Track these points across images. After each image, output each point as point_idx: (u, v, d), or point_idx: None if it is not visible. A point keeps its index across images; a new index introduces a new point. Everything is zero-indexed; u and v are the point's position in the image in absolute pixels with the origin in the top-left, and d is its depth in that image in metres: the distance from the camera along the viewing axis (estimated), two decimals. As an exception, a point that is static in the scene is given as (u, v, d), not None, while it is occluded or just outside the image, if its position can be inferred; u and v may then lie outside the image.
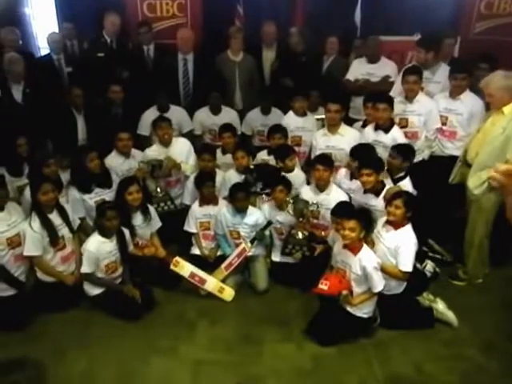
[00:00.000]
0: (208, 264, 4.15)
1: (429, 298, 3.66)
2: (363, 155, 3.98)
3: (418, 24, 5.37)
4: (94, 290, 3.72)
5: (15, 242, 3.61)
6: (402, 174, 3.98)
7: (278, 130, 4.57)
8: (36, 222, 3.62)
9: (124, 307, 3.69)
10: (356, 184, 4.07)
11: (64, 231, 3.78)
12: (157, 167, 4.32)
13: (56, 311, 3.72)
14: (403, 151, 3.97)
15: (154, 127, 4.56)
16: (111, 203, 3.78)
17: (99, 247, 3.63)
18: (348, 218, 3.28)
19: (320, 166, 3.97)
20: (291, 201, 3.92)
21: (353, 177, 4.16)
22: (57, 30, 5.61)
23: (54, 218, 3.73)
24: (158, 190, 4.41)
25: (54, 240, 3.69)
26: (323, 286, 3.31)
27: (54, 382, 2.99)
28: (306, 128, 4.79)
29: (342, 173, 4.29)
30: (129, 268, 3.86)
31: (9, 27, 5.09)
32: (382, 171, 3.88)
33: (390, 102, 4.24)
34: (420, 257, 3.73)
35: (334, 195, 4.00)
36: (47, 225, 3.65)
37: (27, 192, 3.88)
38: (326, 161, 4.04)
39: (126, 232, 3.85)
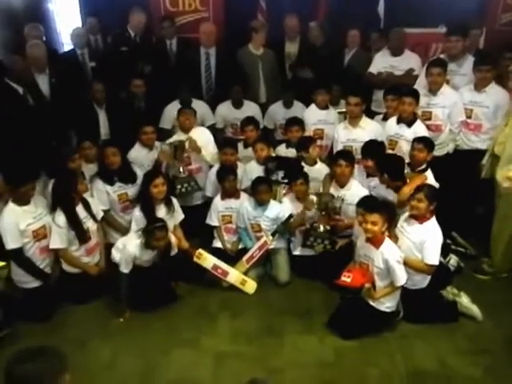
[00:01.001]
0: (229, 257, 4.16)
1: (453, 292, 3.61)
2: (378, 154, 3.93)
3: (443, 15, 5.26)
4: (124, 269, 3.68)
5: (41, 235, 3.66)
6: (423, 167, 3.92)
7: (296, 122, 4.56)
8: (61, 216, 3.66)
9: (145, 299, 3.71)
10: (374, 181, 4.04)
11: (89, 223, 3.83)
12: (179, 148, 4.33)
13: (80, 302, 3.78)
14: (429, 144, 3.91)
15: (178, 114, 4.57)
16: (161, 222, 3.66)
17: (138, 251, 3.60)
18: (370, 212, 3.25)
19: (342, 162, 3.95)
20: (314, 195, 3.90)
21: (369, 175, 4.12)
22: (80, 26, 5.66)
23: (80, 211, 3.78)
24: (181, 170, 4.42)
25: (81, 234, 3.73)
26: (346, 278, 3.30)
27: (77, 372, 3.03)
28: (327, 121, 4.76)
29: (356, 172, 4.22)
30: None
31: (32, 23, 5.16)
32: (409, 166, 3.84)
33: (415, 95, 4.20)
34: (444, 251, 3.67)
35: (355, 191, 3.96)
36: (73, 219, 3.70)
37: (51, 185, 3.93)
38: (348, 156, 4.01)
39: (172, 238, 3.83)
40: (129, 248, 3.57)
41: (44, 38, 5.22)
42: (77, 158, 4.07)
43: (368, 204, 3.44)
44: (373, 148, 4.06)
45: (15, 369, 1.68)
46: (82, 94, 4.75)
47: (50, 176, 4.01)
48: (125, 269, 3.58)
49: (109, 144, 4.23)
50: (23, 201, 3.59)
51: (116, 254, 3.68)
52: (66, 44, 6.09)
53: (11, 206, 3.57)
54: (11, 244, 3.52)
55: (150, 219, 3.79)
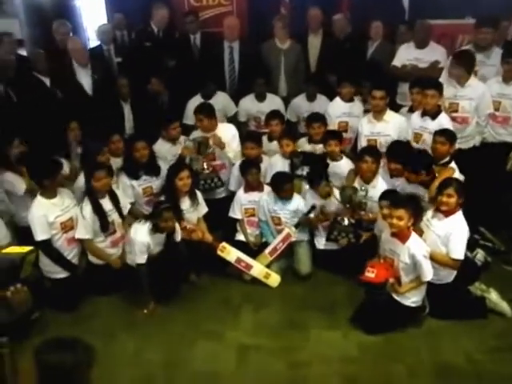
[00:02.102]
0: (252, 250, 4.10)
1: (481, 287, 3.49)
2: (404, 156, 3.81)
3: (470, 6, 5.07)
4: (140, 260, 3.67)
5: (68, 226, 3.68)
6: (447, 159, 3.80)
7: (317, 118, 4.47)
8: (88, 207, 3.68)
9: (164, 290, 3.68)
10: (399, 181, 3.93)
11: (114, 216, 3.83)
12: (203, 144, 4.28)
13: (105, 294, 3.78)
14: (451, 136, 3.79)
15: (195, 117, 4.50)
16: (167, 204, 3.66)
17: (148, 238, 3.58)
18: (396, 207, 3.16)
19: (368, 158, 3.86)
20: (338, 189, 3.82)
21: (393, 175, 4.00)
22: (106, 22, 5.66)
23: (105, 203, 3.79)
24: (205, 166, 4.37)
25: (105, 225, 3.74)
26: (370, 273, 3.21)
27: (102, 363, 3.01)
28: (352, 114, 4.66)
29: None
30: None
31: (60, 20, 5.17)
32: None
33: (438, 88, 4.05)
34: (471, 245, 3.55)
35: (380, 188, 3.85)
36: (98, 210, 3.71)
37: (80, 177, 3.94)
38: (374, 152, 3.92)
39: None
40: (139, 237, 3.56)
41: (71, 34, 5.23)
42: (106, 151, 4.07)
43: (394, 199, 3.34)
44: (398, 150, 3.94)
45: (48, 357, 1.65)
46: (108, 89, 4.76)
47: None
48: (140, 259, 3.57)
49: (138, 138, 4.22)
50: (50, 194, 3.62)
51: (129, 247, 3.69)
52: (92, 40, 6.10)
53: (39, 200, 3.61)
54: (40, 235, 3.55)
55: (174, 210, 3.77)
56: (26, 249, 1.68)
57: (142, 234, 3.57)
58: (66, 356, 1.67)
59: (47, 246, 3.59)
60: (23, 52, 5.44)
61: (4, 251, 1.73)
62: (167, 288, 3.70)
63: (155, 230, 3.58)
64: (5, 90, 4.35)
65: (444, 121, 4.06)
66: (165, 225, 3.57)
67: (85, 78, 4.71)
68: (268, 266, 3.95)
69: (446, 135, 3.77)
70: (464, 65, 4.15)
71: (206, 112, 4.39)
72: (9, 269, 1.58)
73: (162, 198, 3.91)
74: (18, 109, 4.25)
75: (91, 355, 1.77)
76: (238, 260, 3.90)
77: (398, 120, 4.38)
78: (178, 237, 3.81)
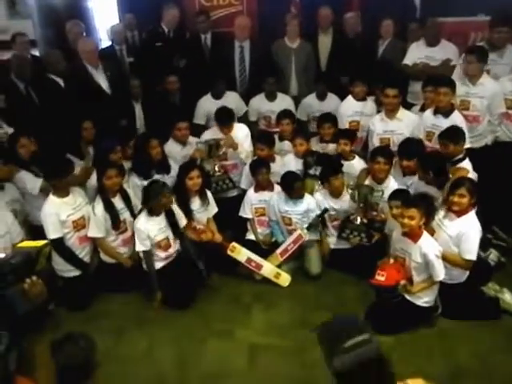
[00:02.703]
0: (262, 250, 4.08)
1: (494, 288, 3.43)
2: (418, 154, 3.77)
3: (482, 3, 4.99)
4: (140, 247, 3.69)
5: (80, 225, 3.70)
6: (460, 156, 3.74)
7: (328, 119, 4.45)
8: (99, 205, 3.70)
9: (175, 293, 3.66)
10: (411, 180, 3.88)
11: (126, 215, 3.83)
12: (214, 147, 4.27)
13: (117, 292, 3.77)
14: (454, 136, 3.71)
15: (217, 122, 4.49)
16: (160, 182, 3.75)
17: (147, 224, 3.62)
18: (408, 206, 3.13)
19: (381, 159, 3.81)
20: (354, 188, 3.79)
21: (406, 173, 3.95)
22: (118, 22, 5.66)
23: (117, 202, 3.80)
24: (216, 168, 4.36)
25: (116, 223, 3.74)
26: (380, 277, 3.16)
27: (114, 361, 3.02)
28: (364, 113, 4.61)
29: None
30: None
31: (73, 20, 5.19)
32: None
33: (451, 85, 3.98)
34: (484, 245, 3.49)
35: (392, 188, 3.79)
36: (110, 208, 3.72)
37: (93, 176, 3.94)
38: (386, 153, 3.87)
39: (175, 208, 3.81)
40: (138, 225, 3.63)
41: (84, 35, 5.25)
42: (119, 149, 4.07)
43: (405, 198, 3.30)
44: (411, 148, 3.88)
45: (67, 347, 1.66)
46: (120, 89, 4.76)
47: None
48: (141, 246, 3.61)
49: (151, 136, 4.21)
50: (63, 193, 3.63)
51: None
52: (104, 40, 6.11)
53: (52, 198, 3.63)
54: (52, 234, 3.56)
55: (184, 210, 3.75)
56: (41, 242, 1.71)
57: (140, 222, 3.64)
58: (72, 349, 1.69)
59: (59, 245, 3.60)
60: (36, 52, 5.47)
61: (19, 245, 1.76)
62: (183, 294, 3.68)
63: (151, 213, 3.62)
64: (25, 89, 4.39)
65: (457, 119, 3.99)
66: (166, 200, 3.61)
67: (101, 78, 4.73)
68: (278, 266, 3.92)
69: (447, 136, 3.71)
70: (480, 60, 4.08)
71: (227, 120, 4.40)
72: (25, 262, 1.60)
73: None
74: (39, 109, 4.29)
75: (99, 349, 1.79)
76: (249, 260, 3.87)
77: (411, 118, 4.33)
78: (182, 221, 3.83)
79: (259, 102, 4.95)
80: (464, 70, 4.15)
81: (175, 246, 3.80)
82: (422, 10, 5.37)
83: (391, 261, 3.32)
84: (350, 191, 3.85)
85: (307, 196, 4.02)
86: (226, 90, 4.85)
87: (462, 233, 3.23)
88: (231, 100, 4.83)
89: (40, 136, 3.95)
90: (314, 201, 4.00)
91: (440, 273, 3.13)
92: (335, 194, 3.95)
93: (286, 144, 4.46)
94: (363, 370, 1.51)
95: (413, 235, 3.19)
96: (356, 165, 4.17)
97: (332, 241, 4.06)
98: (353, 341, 1.51)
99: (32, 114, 4.21)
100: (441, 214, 3.41)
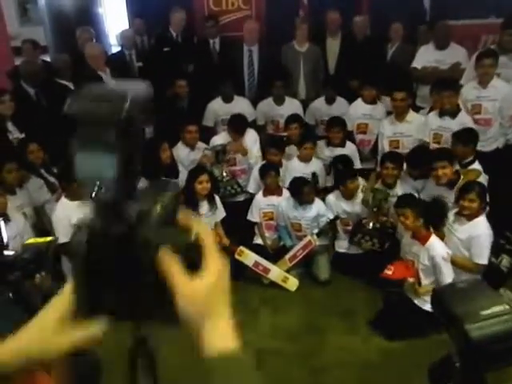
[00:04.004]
0: (270, 254, 4.05)
1: (507, 294, 3.35)
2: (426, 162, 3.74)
3: (493, 6, 4.93)
4: None
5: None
6: (470, 158, 3.71)
7: (336, 123, 4.43)
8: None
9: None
10: (422, 183, 3.86)
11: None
12: (221, 152, 4.28)
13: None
14: (464, 137, 3.71)
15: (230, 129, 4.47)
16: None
17: None
18: (400, 207, 3.23)
19: (389, 164, 3.79)
20: (369, 191, 3.77)
21: (417, 178, 3.92)
22: (127, 27, 5.70)
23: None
24: (224, 174, 4.36)
25: None
26: (388, 270, 3.20)
27: (121, 367, 3.01)
28: (373, 116, 4.59)
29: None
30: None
31: (83, 26, 5.23)
32: (456, 160, 3.61)
33: (454, 87, 4.01)
34: (496, 250, 3.42)
35: (401, 192, 3.74)
36: None
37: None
38: (396, 158, 3.85)
39: None
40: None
41: (94, 40, 5.29)
42: None
43: (399, 200, 3.37)
44: (418, 157, 3.86)
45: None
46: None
47: None
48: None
49: (163, 139, 4.21)
50: (75, 196, 3.63)
51: None
52: (114, 45, 6.14)
53: (64, 201, 3.64)
54: (63, 238, 3.54)
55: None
56: (48, 238, 1.72)
57: None
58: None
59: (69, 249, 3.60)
60: (47, 58, 5.52)
61: (28, 242, 1.77)
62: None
63: None
64: (36, 95, 4.43)
65: (465, 119, 3.99)
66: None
67: (110, 81, 4.75)
68: (287, 271, 3.89)
69: (459, 136, 3.70)
70: (495, 64, 4.04)
71: (240, 129, 4.40)
72: (36, 257, 1.61)
73: None
74: (49, 113, 4.32)
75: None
76: (256, 264, 3.85)
77: (420, 121, 4.32)
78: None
79: (267, 106, 4.94)
80: (480, 74, 4.09)
81: None
82: (432, 12, 5.32)
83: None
84: (362, 195, 3.81)
85: (317, 201, 3.99)
86: (235, 95, 4.85)
87: (472, 237, 3.20)
88: (241, 105, 4.81)
89: (50, 140, 3.97)
90: (324, 206, 3.97)
91: (448, 276, 3.08)
92: (348, 196, 3.92)
93: (293, 148, 4.45)
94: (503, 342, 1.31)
95: (421, 238, 3.17)
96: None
97: (343, 245, 4.03)
98: (493, 309, 1.32)
99: (42, 119, 4.23)
100: (451, 218, 3.37)
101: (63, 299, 0.71)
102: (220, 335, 0.71)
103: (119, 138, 0.65)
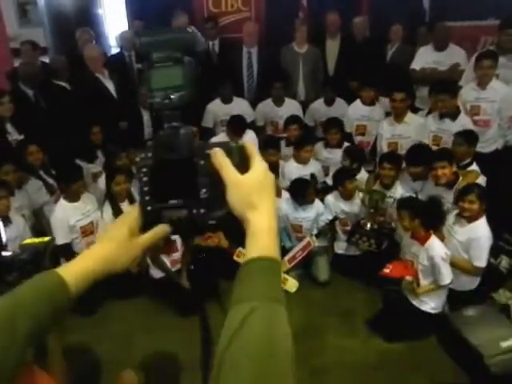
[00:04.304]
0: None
1: (505, 295, 3.35)
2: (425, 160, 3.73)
3: (492, 7, 4.92)
4: (158, 274, 3.70)
5: (88, 231, 3.70)
6: (468, 160, 3.71)
7: (334, 124, 4.44)
8: (108, 211, 3.71)
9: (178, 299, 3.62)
10: (421, 185, 3.85)
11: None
12: None
13: (124, 298, 3.75)
14: (469, 137, 3.70)
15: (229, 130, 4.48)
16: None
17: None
18: (397, 209, 3.26)
19: (387, 165, 3.77)
20: (366, 192, 3.76)
21: (416, 178, 3.90)
22: (127, 29, 5.69)
23: (125, 206, 3.79)
24: None
25: None
26: (386, 269, 3.21)
27: (119, 367, 3.00)
28: (371, 118, 4.59)
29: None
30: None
31: (83, 28, 5.22)
32: (455, 160, 3.61)
33: (451, 90, 3.99)
34: (495, 252, 3.42)
35: (399, 193, 3.76)
36: (119, 214, 3.71)
37: (101, 181, 3.96)
38: (394, 159, 3.84)
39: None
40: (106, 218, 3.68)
41: (94, 42, 5.28)
42: (124, 156, 4.07)
43: (397, 203, 3.38)
44: (417, 154, 3.84)
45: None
46: (128, 95, 4.78)
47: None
48: None
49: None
50: (74, 197, 3.64)
51: None
52: (113, 47, 6.14)
53: (62, 203, 3.65)
54: (61, 239, 3.56)
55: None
56: (45, 238, 1.72)
57: (107, 215, 3.71)
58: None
59: (67, 250, 3.59)
60: (47, 59, 5.51)
61: (25, 242, 1.76)
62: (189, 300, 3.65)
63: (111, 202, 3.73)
64: (34, 96, 4.42)
65: (465, 120, 3.98)
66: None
67: (108, 83, 4.75)
68: (286, 273, 3.87)
69: (464, 136, 3.69)
70: (495, 65, 4.03)
71: (239, 130, 4.40)
72: (34, 258, 1.61)
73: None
74: (47, 114, 4.32)
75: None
76: (255, 265, 3.83)
77: (418, 122, 4.31)
78: None
79: (267, 107, 4.94)
80: (480, 75, 4.07)
81: (179, 252, 3.78)
82: (431, 13, 5.31)
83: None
84: (361, 195, 3.80)
85: (316, 201, 3.98)
86: (235, 96, 4.84)
87: (471, 239, 3.18)
88: (240, 106, 4.82)
89: (49, 142, 3.97)
90: (323, 206, 3.96)
91: (446, 277, 3.07)
92: (347, 196, 3.91)
93: (291, 149, 4.44)
94: None
95: (420, 238, 3.16)
96: (361, 177, 4.12)
97: (342, 246, 4.01)
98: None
99: (41, 120, 4.23)
100: (451, 219, 3.36)
101: (129, 217, 0.85)
102: (256, 239, 0.79)
103: (186, 54, 0.83)
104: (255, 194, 0.79)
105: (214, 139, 4.55)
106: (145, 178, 0.82)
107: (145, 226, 0.85)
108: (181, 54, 0.84)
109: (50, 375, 1.37)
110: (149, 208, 0.83)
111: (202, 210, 0.82)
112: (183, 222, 0.84)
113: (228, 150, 0.81)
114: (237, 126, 4.38)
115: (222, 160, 0.79)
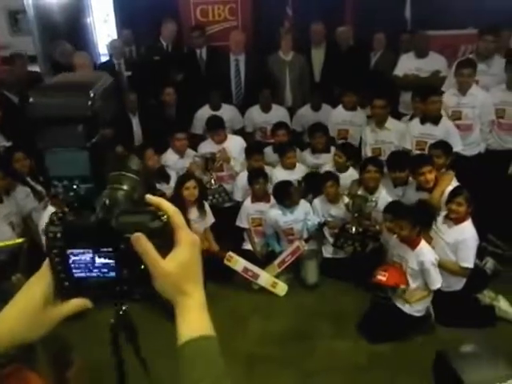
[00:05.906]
0: (258, 260, 3.97)
1: (490, 295, 3.33)
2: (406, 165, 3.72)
3: (472, 17, 4.94)
4: None
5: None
6: (443, 170, 3.70)
7: (318, 128, 4.40)
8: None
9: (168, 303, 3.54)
10: (402, 190, 3.83)
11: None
12: (210, 160, 4.25)
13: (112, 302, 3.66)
14: (445, 149, 3.69)
15: (208, 129, 4.48)
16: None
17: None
18: (398, 218, 3.15)
19: (371, 167, 3.74)
20: (346, 195, 3.72)
21: (396, 185, 3.88)
22: (116, 38, 5.62)
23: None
24: (213, 181, 4.31)
25: None
26: (381, 276, 3.13)
27: (111, 374, 2.90)
28: (354, 123, 4.56)
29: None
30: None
31: (81, 52, 5.05)
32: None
33: (438, 94, 4.02)
34: (480, 253, 3.40)
35: (384, 197, 3.72)
36: None
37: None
38: (377, 162, 3.82)
39: None
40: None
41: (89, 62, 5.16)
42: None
43: (395, 210, 3.28)
44: (399, 159, 3.84)
45: None
46: (118, 102, 4.70)
47: None
48: None
49: (147, 147, 4.18)
50: (62, 204, 3.53)
51: None
52: (103, 55, 6.06)
53: (51, 209, 3.52)
54: (49, 246, 3.45)
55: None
56: (19, 240, 1.66)
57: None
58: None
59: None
60: (36, 68, 5.41)
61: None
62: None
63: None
64: (20, 103, 4.33)
65: (448, 124, 3.98)
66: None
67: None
68: (276, 277, 3.81)
69: (441, 148, 3.68)
70: (474, 72, 4.05)
71: (217, 126, 4.38)
72: (11, 259, 1.54)
73: None
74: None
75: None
76: (245, 269, 3.76)
77: (400, 127, 4.29)
78: None
79: (254, 114, 4.90)
80: (460, 82, 4.08)
81: None
82: (413, 23, 5.32)
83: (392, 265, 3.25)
84: (346, 200, 3.76)
85: (302, 201, 3.94)
86: (223, 103, 4.80)
87: (459, 240, 3.17)
88: (228, 113, 4.78)
89: (35, 149, 3.87)
90: (309, 205, 3.93)
91: (436, 282, 3.05)
92: (333, 200, 3.88)
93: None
94: None
95: (410, 242, 3.12)
96: (352, 175, 4.08)
97: (330, 250, 3.95)
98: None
99: (27, 127, 4.12)
100: (439, 221, 3.34)
101: (41, 282, 0.75)
102: (188, 320, 0.75)
103: (89, 132, 0.64)
104: (183, 281, 0.74)
105: (202, 145, 4.50)
106: (57, 259, 0.72)
107: (62, 297, 0.77)
108: (84, 132, 0.65)
109: (40, 377, 1.32)
110: (66, 284, 0.75)
111: (125, 287, 0.76)
112: (105, 296, 0.79)
113: (150, 232, 0.70)
114: (213, 123, 4.41)
115: (144, 247, 0.71)
